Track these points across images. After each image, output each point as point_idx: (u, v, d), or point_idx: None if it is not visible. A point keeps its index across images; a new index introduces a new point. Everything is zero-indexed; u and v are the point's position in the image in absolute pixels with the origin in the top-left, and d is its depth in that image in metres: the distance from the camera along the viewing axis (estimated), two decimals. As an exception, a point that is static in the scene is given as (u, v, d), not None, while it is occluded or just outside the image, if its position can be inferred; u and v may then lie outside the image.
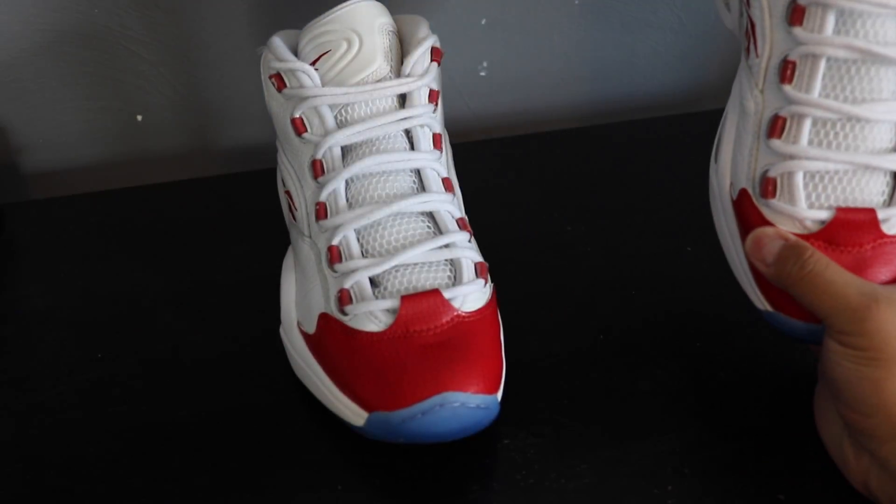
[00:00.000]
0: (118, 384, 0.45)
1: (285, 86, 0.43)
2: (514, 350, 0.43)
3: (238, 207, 0.57)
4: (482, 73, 0.67)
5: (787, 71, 0.38)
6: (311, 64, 0.43)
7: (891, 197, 0.38)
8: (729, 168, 0.42)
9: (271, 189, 0.50)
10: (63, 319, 0.49)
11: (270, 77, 0.44)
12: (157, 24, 0.59)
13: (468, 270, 0.41)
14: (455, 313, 0.39)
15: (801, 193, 0.38)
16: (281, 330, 0.45)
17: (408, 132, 0.43)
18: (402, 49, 0.44)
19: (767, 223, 0.39)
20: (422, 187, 0.43)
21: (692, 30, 0.69)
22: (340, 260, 0.41)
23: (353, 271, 0.40)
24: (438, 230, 0.42)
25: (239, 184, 0.60)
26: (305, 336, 0.42)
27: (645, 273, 0.51)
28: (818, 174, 0.38)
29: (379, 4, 0.44)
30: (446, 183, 0.43)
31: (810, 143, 0.38)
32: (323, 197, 0.42)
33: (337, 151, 0.42)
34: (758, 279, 0.40)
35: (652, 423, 0.42)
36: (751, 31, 0.40)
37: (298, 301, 0.44)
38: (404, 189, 0.42)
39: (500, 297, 0.44)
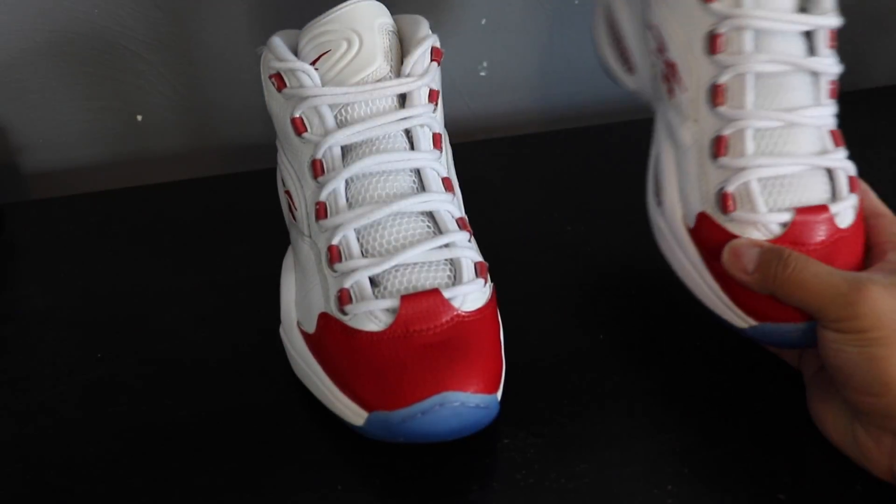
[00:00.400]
0: (118, 384, 0.45)
1: (285, 85, 0.43)
2: (514, 350, 0.43)
3: (238, 207, 0.57)
4: (482, 73, 0.67)
5: (717, 95, 0.42)
6: (311, 64, 0.43)
7: (833, 193, 0.41)
8: (678, 202, 0.43)
9: (271, 189, 0.50)
10: (63, 319, 0.49)
11: (270, 77, 0.44)
12: (157, 24, 0.59)
13: (468, 270, 0.41)
14: (455, 313, 0.39)
15: (759, 199, 0.40)
16: (281, 330, 0.45)
17: (408, 132, 0.43)
18: (402, 49, 0.44)
19: (734, 237, 0.41)
20: (422, 187, 0.43)
21: (692, 30, 0.69)
22: (340, 260, 0.41)
23: (353, 271, 0.40)
24: (438, 230, 0.42)
25: (239, 184, 0.60)
26: (305, 336, 0.42)
27: (645, 273, 0.51)
28: (770, 180, 0.41)
29: (379, 4, 0.44)
30: (446, 183, 0.43)
31: (757, 152, 0.41)
32: (323, 197, 0.42)
33: (337, 151, 0.42)
34: (735, 299, 0.41)
35: (652, 423, 0.42)
36: (671, 72, 0.44)
37: (298, 301, 0.44)
38: (404, 189, 0.42)
39: (500, 296, 0.44)
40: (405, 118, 0.43)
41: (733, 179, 0.41)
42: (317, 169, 0.42)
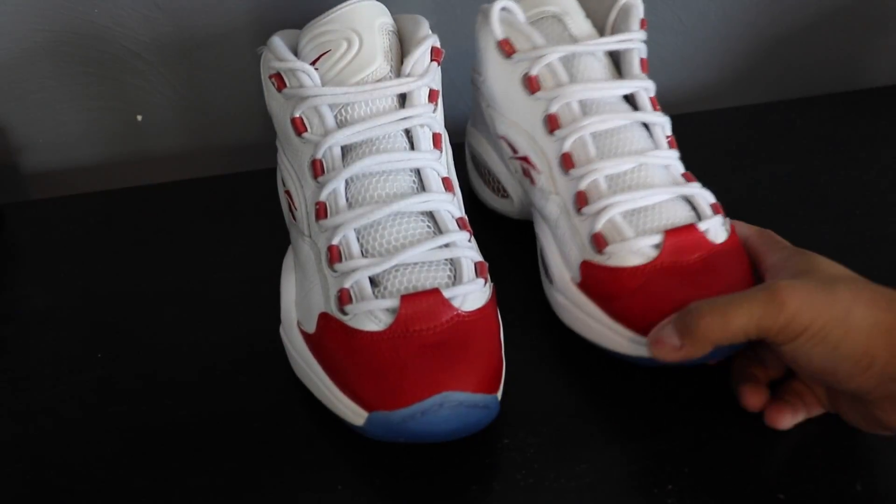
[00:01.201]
0: (118, 384, 0.45)
1: (285, 85, 0.43)
2: (515, 350, 0.43)
3: (238, 207, 0.58)
4: (482, 73, 0.67)
5: (566, 162, 0.45)
6: (311, 64, 0.43)
7: (698, 214, 0.44)
8: (564, 268, 0.46)
9: (271, 189, 0.50)
10: (63, 319, 0.49)
11: (270, 77, 0.44)
12: (157, 24, 0.59)
13: (468, 270, 0.41)
14: (455, 312, 0.39)
15: (627, 228, 0.43)
16: (281, 330, 0.45)
17: (408, 132, 0.43)
18: (402, 49, 0.44)
19: (616, 270, 0.43)
20: (422, 187, 0.43)
21: (692, 30, 0.69)
22: (340, 259, 0.41)
23: (353, 271, 0.40)
24: (438, 230, 0.42)
25: (239, 184, 0.60)
26: (305, 336, 0.42)
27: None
28: (633, 212, 0.43)
29: (379, 4, 0.44)
30: (446, 182, 0.43)
31: (613, 191, 0.44)
32: (323, 196, 0.42)
33: (337, 151, 0.42)
34: (637, 329, 0.42)
35: (652, 423, 0.42)
36: (527, 165, 0.48)
37: (298, 301, 0.44)
38: (404, 189, 0.42)
39: (500, 296, 0.44)
40: (405, 118, 0.43)
41: (599, 219, 0.43)
42: (317, 169, 0.42)
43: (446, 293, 0.39)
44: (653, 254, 0.42)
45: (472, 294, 0.40)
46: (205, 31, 0.60)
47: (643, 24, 0.48)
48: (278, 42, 0.44)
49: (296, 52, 0.44)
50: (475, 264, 0.41)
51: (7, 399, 0.44)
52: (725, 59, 0.72)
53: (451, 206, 0.42)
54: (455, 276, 0.41)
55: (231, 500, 0.39)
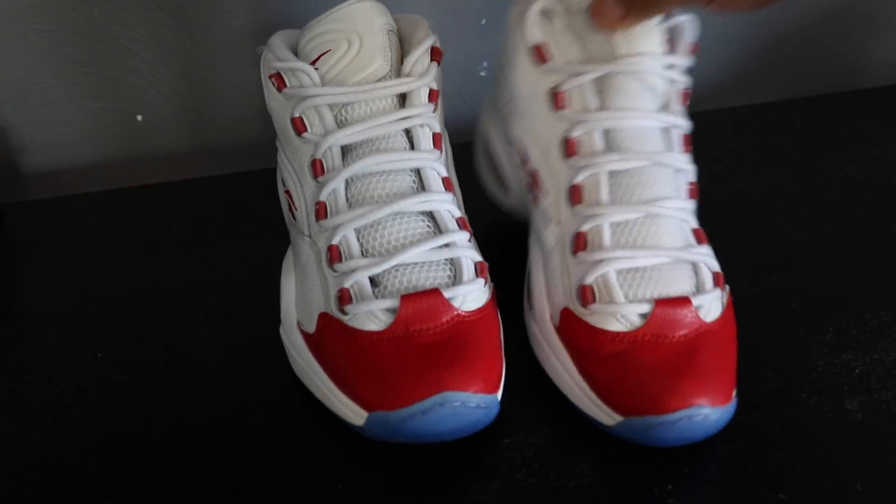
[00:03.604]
0: (118, 384, 0.45)
1: (285, 85, 0.43)
2: (515, 350, 0.43)
3: (238, 207, 0.58)
4: (482, 73, 0.67)
5: (575, 195, 0.42)
6: (311, 63, 0.43)
7: (697, 285, 0.41)
8: (546, 303, 0.44)
9: (271, 189, 0.50)
10: (63, 319, 0.49)
11: (270, 77, 0.44)
12: (157, 24, 0.59)
13: (468, 270, 0.41)
14: (455, 313, 0.39)
15: (618, 290, 0.40)
16: (281, 330, 0.45)
17: (408, 132, 0.43)
18: (402, 49, 0.44)
19: (595, 329, 0.40)
20: (422, 187, 0.43)
21: (692, 30, 0.69)
22: (340, 259, 0.41)
23: (353, 271, 0.40)
24: (438, 229, 0.42)
25: (239, 184, 0.60)
26: (305, 336, 0.42)
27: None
28: (629, 272, 0.41)
29: (379, 4, 0.44)
30: (446, 182, 0.43)
31: (615, 245, 0.41)
32: (323, 196, 0.42)
33: (337, 151, 0.42)
34: (602, 396, 0.40)
35: (652, 423, 0.42)
36: (534, 181, 0.45)
37: (298, 301, 0.44)
38: (404, 188, 0.42)
39: (500, 296, 0.44)
40: (405, 118, 0.43)
41: (591, 272, 0.41)
42: (317, 169, 0.42)
43: (446, 293, 0.39)
44: (637, 323, 0.39)
45: (472, 294, 0.40)
46: (205, 31, 0.60)
47: (693, 49, 0.44)
48: (278, 42, 0.44)
49: (296, 52, 0.44)
50: (475, 264, 0.41)
51: (7, 399, 0.44)
52: (726, 59, 0.72)
53: (451, 206, 0.42)
54: (455, 276, 0.41)
55: (231, 500, 0.39)
